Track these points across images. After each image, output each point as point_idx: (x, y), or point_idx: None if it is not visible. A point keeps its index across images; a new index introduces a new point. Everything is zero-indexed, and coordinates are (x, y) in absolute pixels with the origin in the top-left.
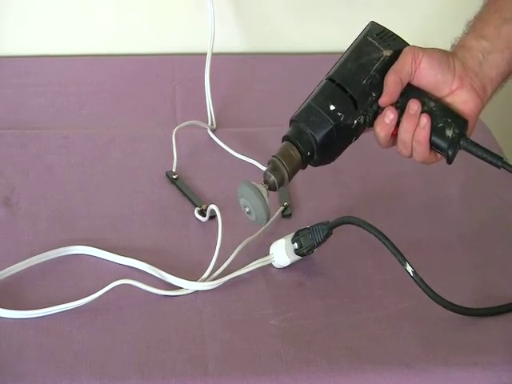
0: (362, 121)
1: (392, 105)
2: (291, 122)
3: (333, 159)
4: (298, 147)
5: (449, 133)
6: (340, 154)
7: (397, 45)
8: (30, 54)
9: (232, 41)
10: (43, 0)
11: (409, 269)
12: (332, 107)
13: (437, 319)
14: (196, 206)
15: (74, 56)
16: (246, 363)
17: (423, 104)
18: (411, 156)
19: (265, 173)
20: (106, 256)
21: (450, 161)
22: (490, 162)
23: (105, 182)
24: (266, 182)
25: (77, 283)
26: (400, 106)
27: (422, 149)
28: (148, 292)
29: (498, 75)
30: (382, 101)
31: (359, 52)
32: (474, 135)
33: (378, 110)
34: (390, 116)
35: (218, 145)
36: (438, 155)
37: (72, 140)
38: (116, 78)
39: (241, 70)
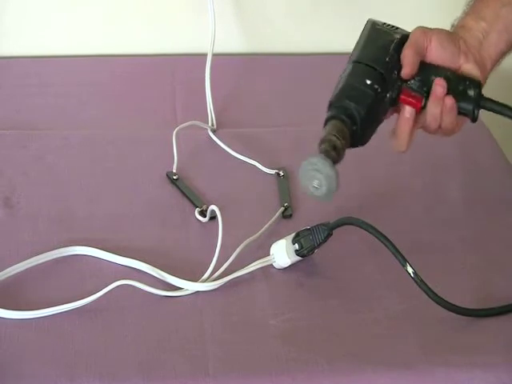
0: (390, 96)
1: (413, 79)
2: (330, 104)
3: (368, 139)
4: (344, 123)
5: (471, 92)
6: (374, 132)
7: (402, 31)
8: (31, 55)
9: (232, 41)
10: (44, 1)
11: (409, 269)
12: (368, 81)
13: (437, 320)
14: (196, 207)
15: (74, 56)
16: (246, 363)
17: (440, 73)
18: (436, 132)
19: (325, 149)
20: (106, 256)
21: (475, 119)
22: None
23: (105, 183)
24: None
25: (77, 284)
26: (420, 84)
27: (451, 124)
28: (148, 292)
29: (497, 53)
30: (405, 72)
31: (373, 37)
32: (474, 135)
33: (401, 87)
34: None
35: (219, 145)
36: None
37: (72, 140)
38: (116, 79)
39: (241, 71)
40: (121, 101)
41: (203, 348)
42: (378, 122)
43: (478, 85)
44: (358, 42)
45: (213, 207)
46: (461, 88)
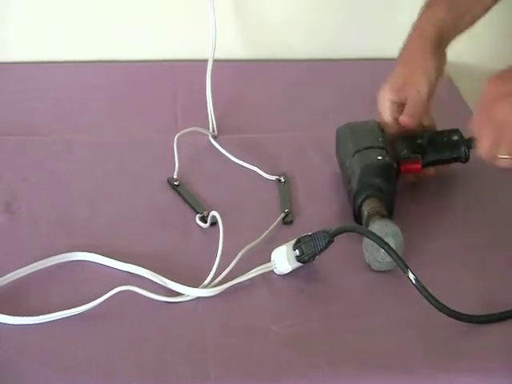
0: (395, 167)
1: (405, 149)
2: (356, 193)
3: (393, 205)
4: (378, 197)
5: (455, 137)
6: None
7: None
8: (32, 60)
9: (233, 47)
10: (45, 6)
11: (411, 276)
12: (379, 157)
13: (438, 326)
14: (197, 213)
15: (75, 62)
16: (248, 369)
17: (423, 136)
18: None
19: (373, 222)
20: (107, 262)
21: (467, 159)
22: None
23: (106, 188)
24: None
25: (78, 289)
26: (411, 151)
27: None
28: (149, 298)
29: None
30: (402, 119)
31: (356, 130)
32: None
33: (398, 161)
34: None
35: (220, 151)
36: None
37: (73, 146)
38: (117, 84)
39: (242, 77)
40: (122, 106)
41: (204, 353)
42: (395, 190)
43: (457, 130)
44: (342, 145)
45: (214, 213)
46: (445, 139)
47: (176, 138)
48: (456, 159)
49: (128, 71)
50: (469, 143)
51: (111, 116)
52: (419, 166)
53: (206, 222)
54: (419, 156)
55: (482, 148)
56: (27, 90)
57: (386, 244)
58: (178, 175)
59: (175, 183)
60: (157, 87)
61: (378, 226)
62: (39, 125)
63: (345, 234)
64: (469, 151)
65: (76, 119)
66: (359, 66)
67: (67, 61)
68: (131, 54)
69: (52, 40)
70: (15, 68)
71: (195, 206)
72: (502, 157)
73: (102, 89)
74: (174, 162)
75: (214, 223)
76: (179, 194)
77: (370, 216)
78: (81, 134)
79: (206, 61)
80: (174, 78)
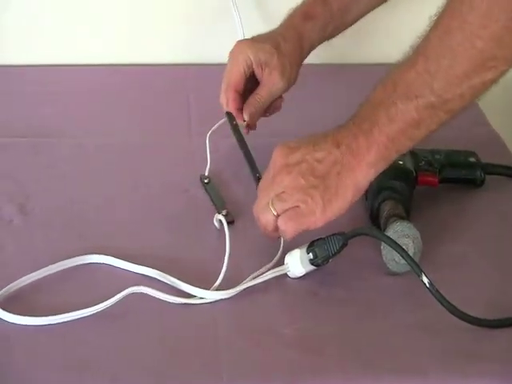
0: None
1: (423, 160)
2: (375, 195)
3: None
4: (396, 200)
5: (472, 158)
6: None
7: None
8: (45, 63)
9: None
10: (57, 9)
11: (425, 280)
12: (400, 162)
13: (452, 330)
14: (219, 213)
15: (88, 65)
16: (261, 372)
17: (439, 152)
18: None
19: (395, 221)
20: (120, 264)
21: (483, 183)
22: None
23: (117, 190)
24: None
25: (91, 291)
26: (428, 163)
27: None
28: (162, 300)
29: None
30: None
31: None
32: (483, 139)
33: (416, 171)
34: None
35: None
36: None
37: (85, 148)
38: (130, 87)
39: None
40: (134, 109)
41: (217, 355)
42: (412, 195)
43: (474, 153)
44: None
45: (219, 217)
46: (461, 158)
47: (208, 134)
48: (471, 181)
49: (140, 74)
50: (485, 167)
51: (123, 119)
52: (436, 180)
53: (221, 222)
54: (437, 170)
55: (260, 197)
56: (40, 93)
57: (401, 248)
58: (208, 173)
59: (205, 181)
60: (170, 90)
61: (400, 228)
62: (52, 127)
63: (359, 237)
64: (484, 175)
65: (88, 122)
66: (367, 70)
67: (79, 64)
68: (144, 57)
69: (64, 43)
70: (28, 71)
71: (218, 204)
72: (272, 209)
73: (114, 92)
74: (206, 159)
75: (231, 222)
76: (206, 191)
77: (389, 217)
78: (93, 137)
79: (220, 64)
80: (186, 82)
